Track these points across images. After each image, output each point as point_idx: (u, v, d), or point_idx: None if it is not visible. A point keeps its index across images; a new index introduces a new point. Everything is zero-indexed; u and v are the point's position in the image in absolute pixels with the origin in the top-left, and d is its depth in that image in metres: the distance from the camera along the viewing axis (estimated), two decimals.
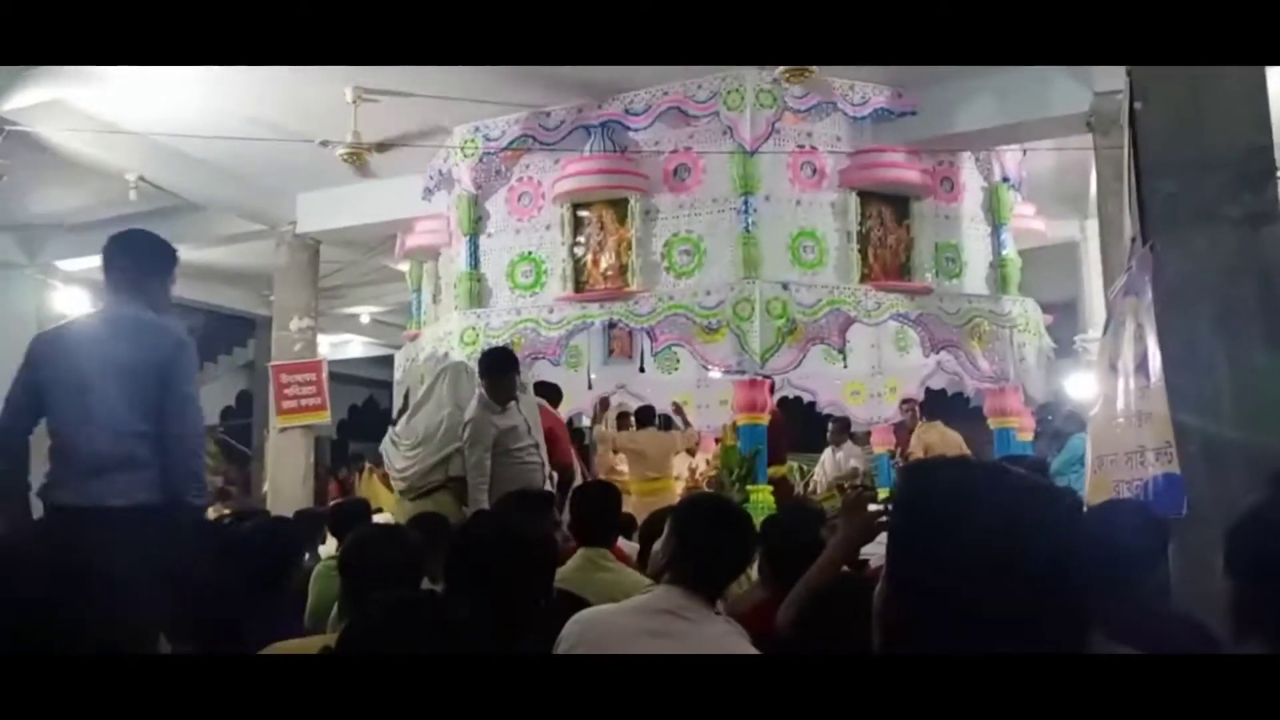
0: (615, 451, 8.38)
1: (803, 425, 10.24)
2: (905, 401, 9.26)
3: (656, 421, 8.62)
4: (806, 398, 10.11)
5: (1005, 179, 8.02)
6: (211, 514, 9.83)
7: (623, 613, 2.12)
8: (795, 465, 9.04)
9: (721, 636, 2.11)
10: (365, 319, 14.66)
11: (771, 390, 7.58)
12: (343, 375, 15.75)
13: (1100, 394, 3.88)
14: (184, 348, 3.16)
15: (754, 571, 4.23)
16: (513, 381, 5.50)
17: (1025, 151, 8.17)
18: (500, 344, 7.57)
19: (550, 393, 7.19)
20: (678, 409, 8.89)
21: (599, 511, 3.50)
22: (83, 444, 3.02)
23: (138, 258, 3.28)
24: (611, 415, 8.97)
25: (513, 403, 5.45)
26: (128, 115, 7.44)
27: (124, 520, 2.88)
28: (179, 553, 2.70)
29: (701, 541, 2.18)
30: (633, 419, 8.73)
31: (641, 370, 10.25)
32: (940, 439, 8.42)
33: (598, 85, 7.22)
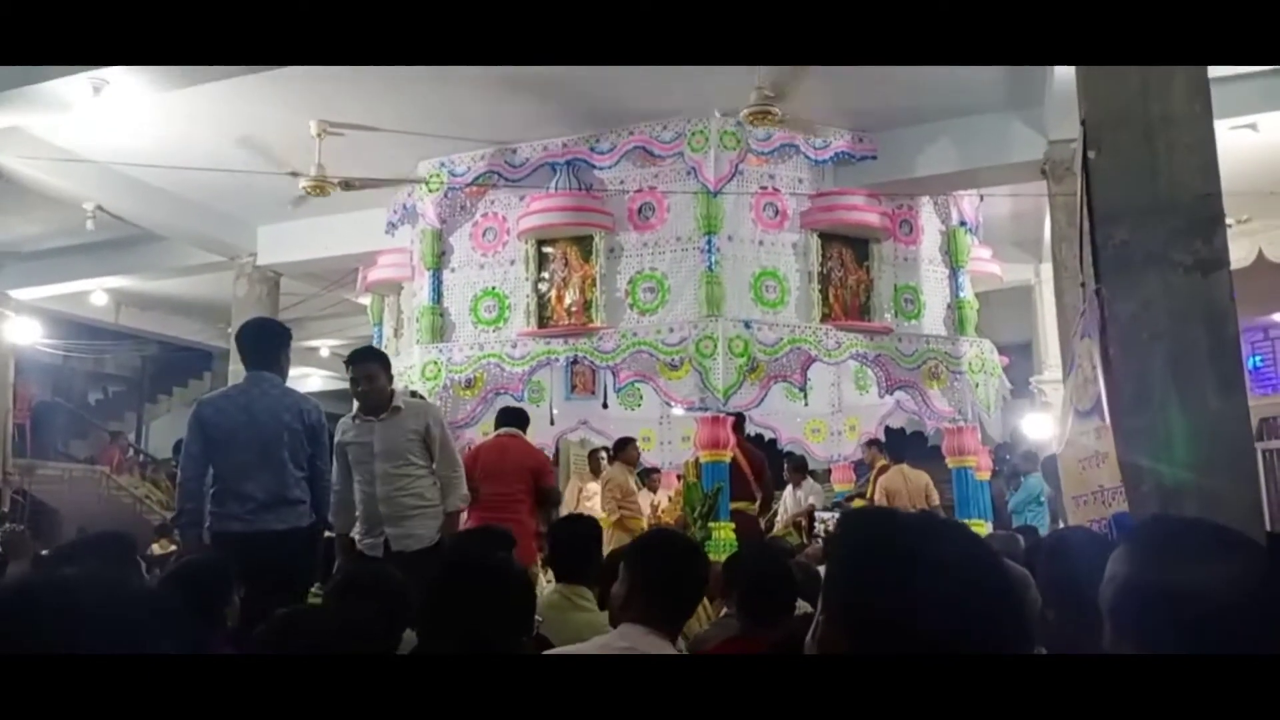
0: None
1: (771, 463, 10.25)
2: (871, 442, 9.26)
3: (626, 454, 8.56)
4: (768, 435, 10.14)
5: (963, 223, 8.18)
6: (157, 550, 9.64)
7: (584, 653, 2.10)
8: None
9: None
10: (325, 352, 14.52)
11: (740, 427, 7.57)
12: None
13: (1065, 436, 3.95)
14: (321, 412, 4.40)
15: (712, 607, 4.22)
16: (364, 374, 4.50)
17: (982, 197, 8.35)
18: (463, 379, 7.57)
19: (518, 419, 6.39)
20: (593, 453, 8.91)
21: (578, 547, 3.36)
22: (254, 486, 4.01)
23: (266, 339, 4.40)
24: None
25: (379, 419, 4.50)
26: (87, 144, 7.36)
27: (284, 539, 4.00)
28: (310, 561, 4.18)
29: (659, 579, 2.17)
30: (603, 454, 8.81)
31: (605, 406, 10.23)
32: (904, 483, 8.34)
33: (564, 122, 7.28)
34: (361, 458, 4.52)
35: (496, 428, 6.42)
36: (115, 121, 6.94)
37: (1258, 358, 10.84)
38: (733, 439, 7.21)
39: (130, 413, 16.83)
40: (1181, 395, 3.00)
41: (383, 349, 9.02)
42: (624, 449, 8.23)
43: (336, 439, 4.55)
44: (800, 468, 9.46)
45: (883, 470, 8.65)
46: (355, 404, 4.65)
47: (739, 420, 7.44)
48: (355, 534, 4.61)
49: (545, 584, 4.75)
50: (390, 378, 4.67)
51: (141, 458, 15.18)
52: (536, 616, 2.41)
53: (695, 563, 2.29)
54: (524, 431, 6.40)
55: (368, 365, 4.54)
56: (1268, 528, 3.49)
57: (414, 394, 6.29)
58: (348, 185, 7.68)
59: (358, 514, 4.56)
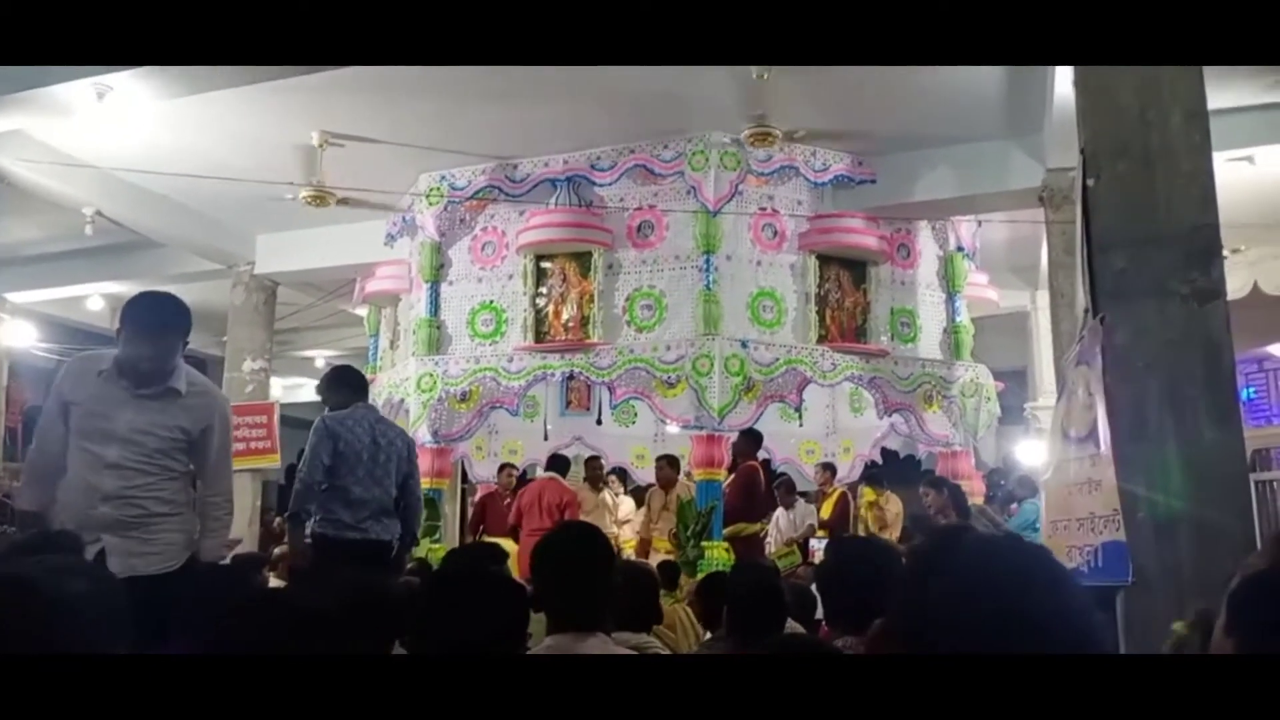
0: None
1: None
2: (825, 465, 9.28)
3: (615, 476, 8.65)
4: (762, 455, 10.14)
5: (960, 248, 8.21)
6: None
7: None
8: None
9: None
10: (320, 363, 14.46)
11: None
12: (295, 419, 15.48)
13: (1053, 460, 3.95)
14: (413, 440, 5.08)
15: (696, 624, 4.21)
16: (164, 348, 3.28)
17: (980, 222, 8.39)
18: (458, 391, 7.56)
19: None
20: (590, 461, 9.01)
21: None
22: (369, 497, 4.53)
23: (363, 380, 5.08)
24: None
25: (143, 393, 3.28)
26: (88, 149, 7.36)
27: (385, 548, 4.57)
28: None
29: (559, 581, 2.16)
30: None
31: (599, 423, 10.23)
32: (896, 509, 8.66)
33: (566, 138, 7.30)
34: (92, 430, 3.26)
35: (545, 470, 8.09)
36: (117, 127, 6.94)
37: (1251, 390, 10.87)
38: (726, 459, 7.23)
39: None
40: (1177, 425, 3.01)
41: (379, 361, 9.06)
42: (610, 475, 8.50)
43: (64, 387, 3.34)
44: (791, 489, 9.44)
45: (843, 497, 8.70)
46: (111, 361, 3.29)
47: (757, 438, 7.52)
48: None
49: None
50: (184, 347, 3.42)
51: None
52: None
53: (587, 553, 2.23)
54: (564, 475, 7.87)
55: (169, 336, 3.27)
56: None
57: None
58: (343, 202, 7.71)
59: (61, 500, 3.31)
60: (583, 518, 8.15)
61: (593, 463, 8.91)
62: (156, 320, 3.24)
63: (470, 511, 11.11)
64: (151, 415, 3.27)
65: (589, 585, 2.17)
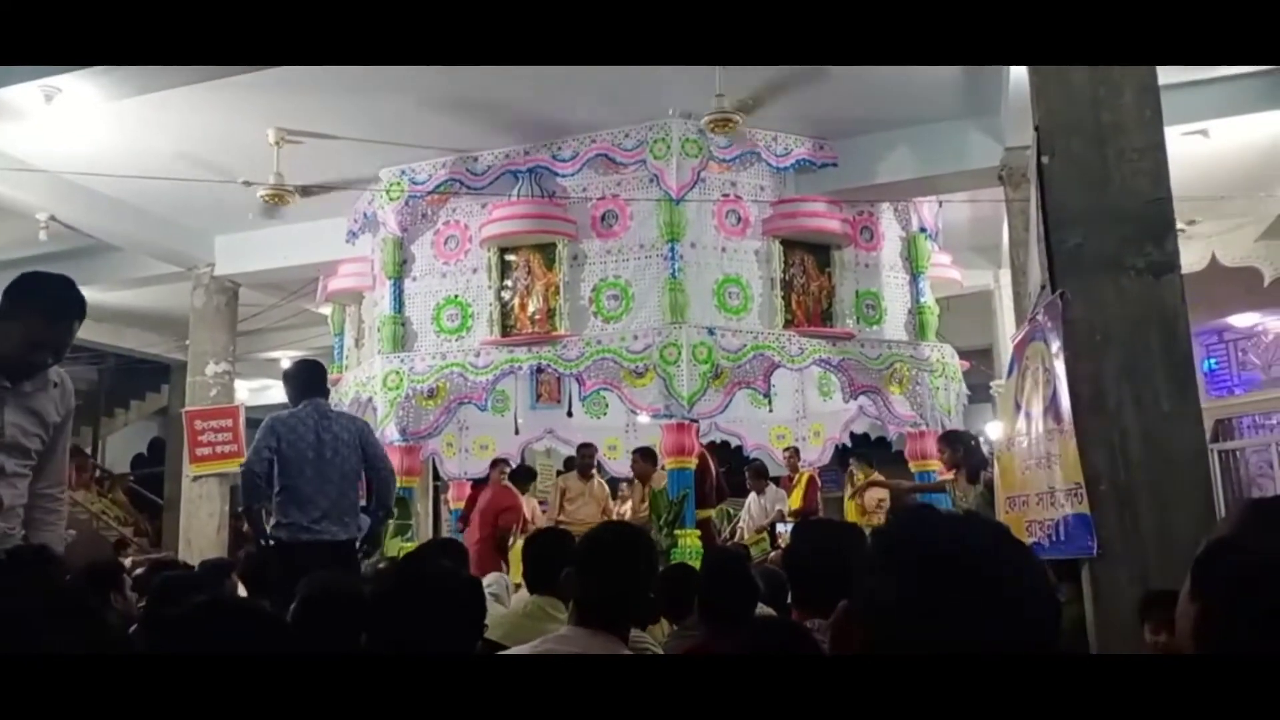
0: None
1: (731, 470, 10.27)
2: (791, 450, 9.35)
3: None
4: (734, 442, 10.17)
5: (922, 229, 8.26)
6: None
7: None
8: (724, 509, 9.02)
9: None
10: (286, 363, 14.31)
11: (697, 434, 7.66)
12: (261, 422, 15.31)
13: (1005, 437, 3.99)
14: (368, 424, 4.99)
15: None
16: (66, 333, 2.87)
17: (941, 203, 8.44)
18: (425, 388, 7.51)
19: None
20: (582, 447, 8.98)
21: (553, 559, 3.13)
22: (319, 496, 4.45)
23: (318, 374, 4.90)
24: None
25: (17, 387, 2.82)
26: (40, 153, 7.21)
27: (345, 547, 4.50)
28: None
29: (604, 577, 2.08)
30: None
31: (569, 415, 10.21)
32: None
33: (526, 129, 7.26)
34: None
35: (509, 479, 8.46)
36: (69, 130, 6.81)
37: (1212, 360, 11.04)
38: (698, 445, 7.26)
39: (85, 427, 16.48)
40: (1135, 397, 3.05)
41: (344, 359, 8.98)
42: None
43: None
44: (762, 474, 9.46)
45: (811, 481, 8.74)
46: None
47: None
48: None
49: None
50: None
51: (98, 473, 14.89)
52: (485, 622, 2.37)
53: (644, 561, 2.20)
54: (523, 484, 8.49)
55: (72, 321, 2.85)
56: None
57: None
58: (306, 192, 7.60)
59: None
60: (567, 507, 8.12)
61: (583, 450, 8.59)
62: (66, 304, 2.82)
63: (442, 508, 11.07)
64: (31, 413, 2.84)
65: (620, 589, 2.09)
